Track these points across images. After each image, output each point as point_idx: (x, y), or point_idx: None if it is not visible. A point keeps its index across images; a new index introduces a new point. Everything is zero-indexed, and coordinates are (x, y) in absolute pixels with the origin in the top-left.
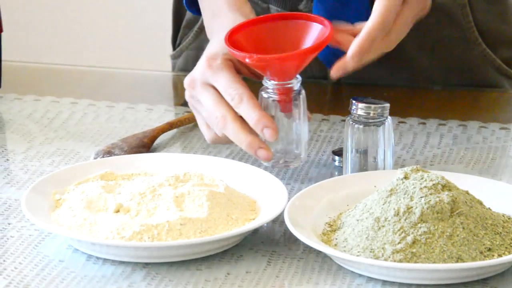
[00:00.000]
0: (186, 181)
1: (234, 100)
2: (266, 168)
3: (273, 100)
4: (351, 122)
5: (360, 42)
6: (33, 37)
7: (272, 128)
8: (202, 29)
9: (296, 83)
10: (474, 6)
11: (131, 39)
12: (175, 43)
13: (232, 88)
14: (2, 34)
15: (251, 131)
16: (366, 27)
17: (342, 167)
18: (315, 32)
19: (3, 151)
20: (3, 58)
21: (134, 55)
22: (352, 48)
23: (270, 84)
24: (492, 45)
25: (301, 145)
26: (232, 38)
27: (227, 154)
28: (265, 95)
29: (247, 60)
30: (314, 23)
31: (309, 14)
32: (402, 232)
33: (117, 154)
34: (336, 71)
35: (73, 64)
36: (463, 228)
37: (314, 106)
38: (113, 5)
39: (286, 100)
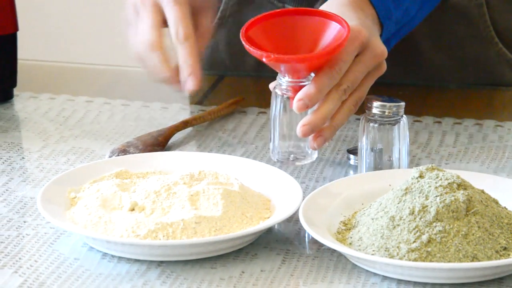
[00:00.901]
0: (201, 180)
1: (179, 36)
2: (280, 167)
3: (287, 97)
4: (366, 121)
5: (307, 87)
6: (48, 35)
7: (197, 78)
8: (217, 28)
9: (309, 81)
10: (491, 5)
11: None
12: None
13: (182, 25)
14: (18, 32)
15: (172, 69)
16: (316, 75)
17: (357, 166)
18: (332, 31)
19: (18, 149)
20: (18, 56)
21: None
22: (299, 93)
23: (284, 82)
24: (508, 44)
25: None
26: (248, 32)
27: (242, 153)
28: (278, 92)
29: (264, 60)
30: (333, 22)
31: (328, 12)
32: (417, 231)
33: (132, 153)
34: (302, 129)
35: (88, 63)
36: (479, 227)
37: None
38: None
39: None
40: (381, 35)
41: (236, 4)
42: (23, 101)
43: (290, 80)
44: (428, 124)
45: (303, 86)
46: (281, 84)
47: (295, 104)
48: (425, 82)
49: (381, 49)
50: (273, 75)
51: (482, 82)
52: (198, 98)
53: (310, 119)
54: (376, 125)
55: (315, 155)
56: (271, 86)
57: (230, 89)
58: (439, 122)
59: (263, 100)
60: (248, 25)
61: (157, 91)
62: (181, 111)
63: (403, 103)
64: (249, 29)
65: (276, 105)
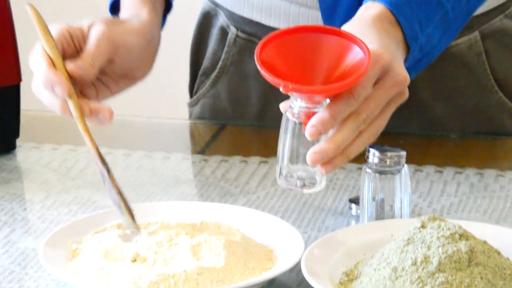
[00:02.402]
0: (203, 230)
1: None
2: (282, 217)
3: (300, 123)
4: (367, 170)
5: (321, 112)
6: None
7: (61, 85)
8: (219, 77)
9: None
10: (490, 54)
11: (148, 87)
12: (192, 91)
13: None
14: (21, 83)
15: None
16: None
17: (359, 215)
18: (353, 55)
19: (21, 201)
20: (21, 107)
21: (151, 103)
22: (313, 119)
23: (296, 106)
24: (508, 93)
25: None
26: (262, 52)
27: (244, 202)
28: (290, 116)
29: (281, 89)
30: (353, 45)
31: (349, 33)
32: (420, 282)
33: None
34: (312, 156)
35: None
36: (481, 278)
37: None
38: None
39: None
40: (405, 60)
41: (237, 53)
42: (26, 151)
43: (303, 105)
44: (429, 173)
45: (316, 112)
46: (292, 108)
47: (308, 130)
48: (426, 131)
49: (403, 75)
50: (276, 125)
51: (483, 131)
52: (200, 148)
53: (322, 147)
54: (377, 174)
55: (323, 183)
56: (282, 106)
57: (232, 138)
58: (440, 171)
59: (265, 149)
60: (263, 44)
61: (159, 141)
62: (183, 161)
63: (404, 153)
64: (263, 48)
65: (286, 129)
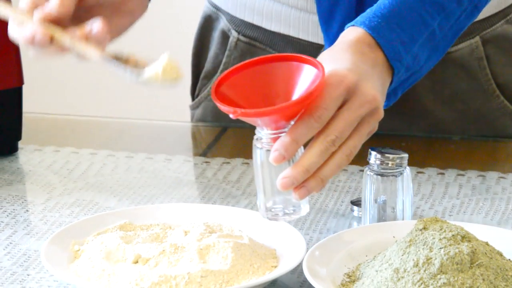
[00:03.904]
0: (212, 232)
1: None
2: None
3: (267, 150)
4: (369, 172)
5: (283, 136)
6: (53, 89)
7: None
8: None
9: None
10: (491, 59)
11: (150, 89)
12: (194, 93)
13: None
14: (23, 86)
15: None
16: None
17: (360, 217)
18: (309, 76)
19: (23, 202)
20: (23, 110)
21: (153, 106)
22: (275, 144)
23: (263, 135)
24: (510, 98)
25: None
26: (220, 87)
27: (246, 204)
28: (258, 145)
29: (231, 116)
30: (307, 66)
31: (304, 56)
32: (422, 283)
33: None
34: (282, 181)
35: (92, 115)
36: (483, 279)
37: None
38: None
39: None
40: (392, 81)
41: (238, 57)
42: (28, 154)
43: (269, 132)
44: (431, 175)
45: None
46: (260, 138)
47: (271, 155)
48: (428, 134)
49: (371, 94)
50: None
51: (484, 134)
52: (202, 150)
53: (290, 172)
54: (379, 176)
55: (305, 209)
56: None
57: (234, 140)
58: (442, 173)
59: None
60: (220, 80)
61: (161, 143)
62: (185, 163)
63: (406, 155)
64: (220, 84)
65: (257, 160)
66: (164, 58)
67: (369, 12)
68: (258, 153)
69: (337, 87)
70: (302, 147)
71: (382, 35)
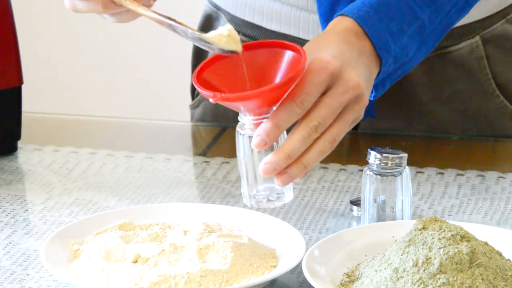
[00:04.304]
0: (211, 232)
1: None
2: (284, 218)
3: (250, 137)
4: (368, 172)
5: (264, 122)
6: (52, 88)
7: None
8: None
9: None
10: (491, 59)
11: (150, 89)
12: (193, 93)
13: None
14: (22, 86)
15: None
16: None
17: (360, 217)
18: (291, 61)
19: (22, 202)
20: (22, 109)
21: (153, 105)
22: (257, 129)
23: (246, 120)
24: (510, 97)
25: None
26: (202, 74)
27: (245, 204)
28: (241, 132)
29: (211, 100)
30: (288, 51)
31: (286, 42)
32: (421, 283)
33: None
34: (264, 167)
35: (92, 115)
36: (483, 279)
37: (331, 156)
38: (132, 56)
39: None
40: (380, 71)
41: None
42: (27, 153)
43: (252, 118)
44: (430, 175)
45: None
46: (243, 124)
47: (253, 140)
48: (427, 134)
49: (355, 81)
50: None
51: (484, 134)
52: (201, 150)
53: (272, 157)
54: (378, 176)
55: (289, 196)
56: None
57: (233, 140)
58: (442, 173)
59: None
60: (202, 66)
61: (160, 143)
62: (185, 163)
63: (405, 155)
64: (203, 70)
65: (240, 146)
66: (229, 26)
67: (358, 1)
68: (241, 140)
69: (320, 73)
70: (285, 134)
71: (370, 25)
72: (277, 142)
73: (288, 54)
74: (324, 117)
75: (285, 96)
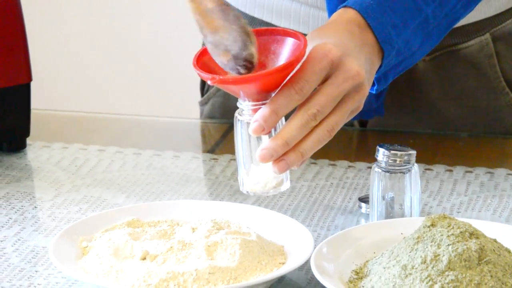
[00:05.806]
0: (219, 229)
1: None
2: (292, 215)
3: (248, 123)
4: (377, 169)
5: (263, 107)
6: (61, 85)
7: None
8: None
9: None
10: (501, 56)
11: (159, 86)
12: (203, 90)
13: None
14: (31, 83)
15: None
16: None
17: (368, 214)
18: (291, 48)
19: (31, 199)
20: (31, 106)
21: (161, 103)
22: (255, 115)
23: (245, 106)
24: None
25: None
26: (203, 57)
27: (254, 201)
28: (240, 117)
29: (209, 82)
30: (289, 38)
31: (287, 29)
32: (430, 280)
33: None
34: (261, 153)
35: (100, 112)
36: (491, 276)
37: (340, 153)
38: (140, 53)
39: None
40: (382, 64)
41: None
42: (36, 150)
43: (250, 103)
44: (439, 172)
45: None
46: (242, 109)
47: (251, 125)
48: (436, 131)
49: (356, 70)
50: None
51: (493, 131)
52: (210, 147)
53: (269, 143)
54: (387, 173)
55: (286, 185)
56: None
57: None
58: (451, 170)
59: None
60: (202, 51)
61: (168, 140)
62: (193, 160)
63: (414, 152)
64: (203, 55)
65: (238, 133)
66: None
67: None
68: (239, 126)
69: (321, 61)
70: (284, 122)
71: (373, 17)
72: (275, 129)
73: (290, 41)
74: (323, 105)
75: (284, 82)
